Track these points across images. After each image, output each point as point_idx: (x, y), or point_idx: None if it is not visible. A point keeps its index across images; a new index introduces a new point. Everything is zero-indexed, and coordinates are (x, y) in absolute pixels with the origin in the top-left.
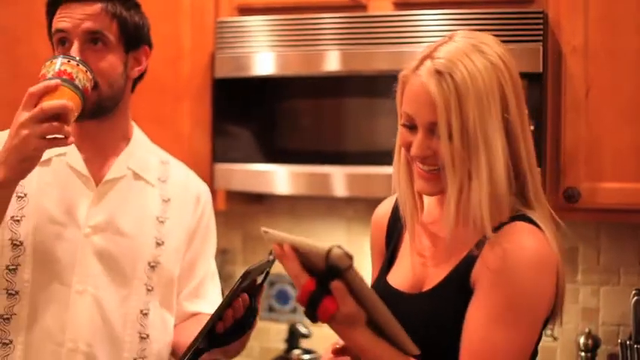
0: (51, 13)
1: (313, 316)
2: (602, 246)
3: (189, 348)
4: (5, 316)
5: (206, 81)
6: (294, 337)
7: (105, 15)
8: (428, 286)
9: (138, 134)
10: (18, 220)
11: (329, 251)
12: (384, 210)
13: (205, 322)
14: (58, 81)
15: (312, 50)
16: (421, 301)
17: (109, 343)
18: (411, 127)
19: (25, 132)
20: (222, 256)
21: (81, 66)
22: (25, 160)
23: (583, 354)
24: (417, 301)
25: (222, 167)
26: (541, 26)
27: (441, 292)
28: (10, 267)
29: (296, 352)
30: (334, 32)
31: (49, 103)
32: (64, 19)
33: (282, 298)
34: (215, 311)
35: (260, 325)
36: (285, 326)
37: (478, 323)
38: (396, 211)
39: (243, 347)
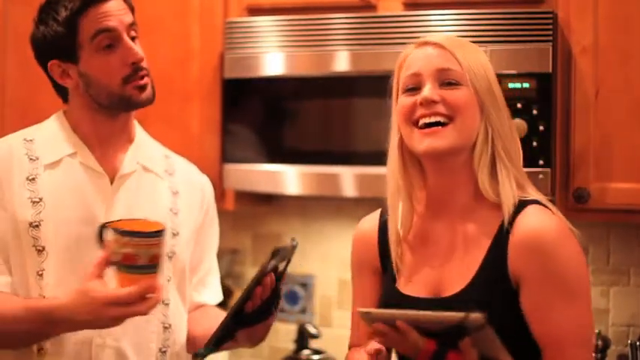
0: (73, 23)
1: None
2: (611, 246)
3: (220, 326)
4: None
5: (215, 81)
6: (303, 338)
7: (127, 6)
8: (453, 288)
9: (140, 132)
10: (37, 226)
11: (466, 317)
12: (369, 225)
13: (213, 314)
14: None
15: (322, 50)
16: (456, 301)
17: (135, 335)
18: (414, 89)
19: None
20: (232, 256)
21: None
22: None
23: (593, 355)
24: (450, 303)
25: (231, 167)
26: (551, 26)
27: (478, 287)
28: (39, 272)
29: (305, 352)
30: (344, 32)
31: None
32: (107, 19)
33: (292, 298)
34: (245, 289)
35: None
36: (294, 326)
37: (546, 311)
38: (384, 225)
39: (266, 333)
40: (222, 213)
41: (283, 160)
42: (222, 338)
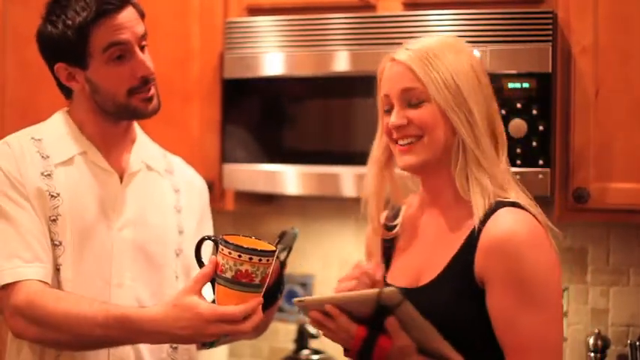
0: (85, 31)
1: None
2: (611, 246)
3: None
4: None
5: (215, 81)
6: (303, 338)
7: (138, 15)
8: (425, 279)
9: (139, 132)
10: (55, 220)
11: (380, 293)
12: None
13: None
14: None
15: (321, 50)
16: (425, 293)
17: None
18: (389, 110)
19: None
20: None
21: (254, 259)
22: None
23: (592, 355)
24: (420, 294)
25: (231, 167)
26: (550, 26)
27: (443, 282)
28: (57, 267)
29: (305, 352)
30: (343, 32)
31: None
32: (120, 32)
33: (292, 298)
34: None
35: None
36: (294, 326)
37: (509, 317)
38: (390, 220)
39: (270, 321)
40: (222, 213)
41: (283, 160)
42: None
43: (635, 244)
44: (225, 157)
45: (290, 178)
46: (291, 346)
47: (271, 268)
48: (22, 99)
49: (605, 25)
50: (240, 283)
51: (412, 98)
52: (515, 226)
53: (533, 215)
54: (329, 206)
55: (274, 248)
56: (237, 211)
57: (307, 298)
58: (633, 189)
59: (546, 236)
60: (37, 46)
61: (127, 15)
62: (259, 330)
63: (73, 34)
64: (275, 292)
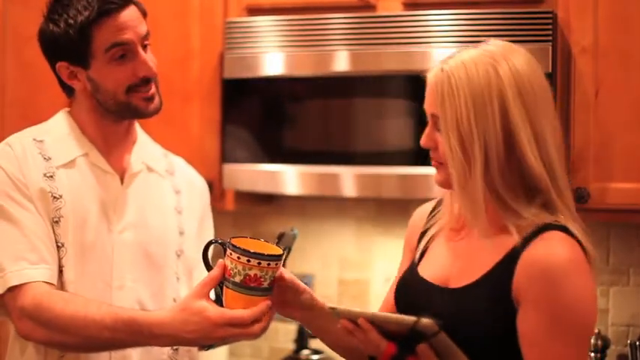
0: (87, 31)
1: None
2: (611, 246)
3: None
4: None
5: (215, 81)
6: (303, 338)
7: (140, 14)
8: (457, 282)
9: (140, 132)
10: (57, 222)
11: (417, 322)
12: (423, 210)
13: None
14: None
15: (321, 50)
16: (455, 296)
17: None
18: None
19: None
20: None
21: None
22: None
23: (592, 354)
24: (452, 295)
25: (231, 167)
26: (550, 26)
27: (479, 289)
28: (60, 268)
29: (305, 352)
30: (343, 32)
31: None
32: (122, 32)
33: None
34: None
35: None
36: (294, 326)
37: (538, 341)
38: (432, 212)
39: (270, 322)
40: (222, 213)
41: (283, 160)
42: None
43: (635, 244)
44: (225, 157)
45: (290, 178)
46: (291, 346)
47: (279, 270)
48: (22, 99)
49: (605, 25)
50: (249, 287)
51: (438, 124)
52: (560, 252)
53: (581, 245)
54: (329, 206)
55: (281, 251)
56: (237, 211)
57: (341, 308)
58: (633, 189)
59: (589, 269)
60: (39, 44)
61: (130, 14)
62: None
63: (74, 33)
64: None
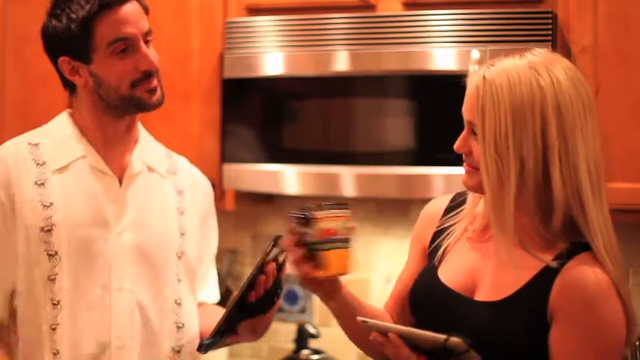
0: (89, 25)
1: None
2: None
3: (223, 317)
4: (52, 327)
5: (215, 81)
6: (302, 338)
7: (142, 10)
8: (485, 295)
9: (143, 132)
10: (49, 230)
11: (447, 340)
12: (436, 206)
13: (213, 310)
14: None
15: (321, 50)
16: (491, 310)
17: (150, 334)
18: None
19: None
20: (232, 256)
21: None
22: None
23: None
24: (481, 309)
25: (231, 167)
26: (550, 26)
27: (514, 306)
28: (51, 277)
29: (305, 352)
30: (343, 32)
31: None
32: (124, 26)
33: (291, 298)
34: (248, 278)
35: None
36: (293, 326)
37: (570, 357)
38: (449, 210)
39: (269, 324)
40: (222, 213)
41: (283, 160)
42: (226, 329)
43: (635, 244)
44: (225, 157)
45: (290, 178)
46: (291, 346)
47: None
48: (22, 99)
49: (605, 25)
50: (349, 240)
51: (474, 131)
52: (599, 276)
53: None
54: None
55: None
56: (237, 211)
57: (371, 321)
58: (633, 189)
59: (612, 290)
60: (42, 41)
61: (131, 9)
62: (259, 332)
63: (76, 27)
64: (274, 294)
